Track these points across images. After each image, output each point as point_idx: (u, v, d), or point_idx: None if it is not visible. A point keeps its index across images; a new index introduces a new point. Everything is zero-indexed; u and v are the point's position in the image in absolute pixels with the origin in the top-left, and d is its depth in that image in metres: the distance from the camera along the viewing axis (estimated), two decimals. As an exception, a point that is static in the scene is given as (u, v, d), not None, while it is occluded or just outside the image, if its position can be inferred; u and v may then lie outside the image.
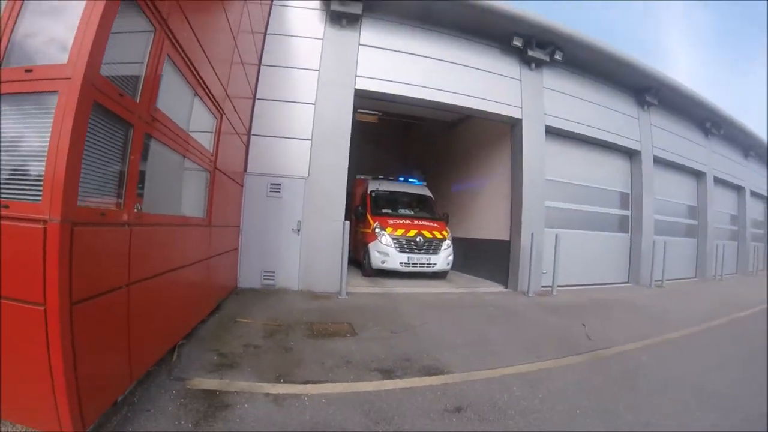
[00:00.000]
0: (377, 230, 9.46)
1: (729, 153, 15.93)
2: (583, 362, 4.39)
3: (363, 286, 8.20)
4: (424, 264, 9.46)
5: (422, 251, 9.50)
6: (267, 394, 3.11)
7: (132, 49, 2.73)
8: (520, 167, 9.01)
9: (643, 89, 11.31)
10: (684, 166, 13.44)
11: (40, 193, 2.01)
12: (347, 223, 7.21)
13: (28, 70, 2.14)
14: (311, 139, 7.61)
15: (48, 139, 2.02)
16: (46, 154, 2.02)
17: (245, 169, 7.24)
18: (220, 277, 5.81)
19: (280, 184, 7.49)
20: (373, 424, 2.76)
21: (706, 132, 14.15)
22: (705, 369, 4.35)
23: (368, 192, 10.80)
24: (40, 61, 2.18)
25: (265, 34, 7.70)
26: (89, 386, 2.23)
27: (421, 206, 11.13)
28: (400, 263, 9.25)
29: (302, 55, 7.86)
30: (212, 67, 4.40)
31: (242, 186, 7.13)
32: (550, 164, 9.48)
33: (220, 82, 4.86)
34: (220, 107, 4.95)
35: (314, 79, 7.78)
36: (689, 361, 4.62)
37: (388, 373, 3.71)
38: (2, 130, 2.09)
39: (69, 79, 2.07)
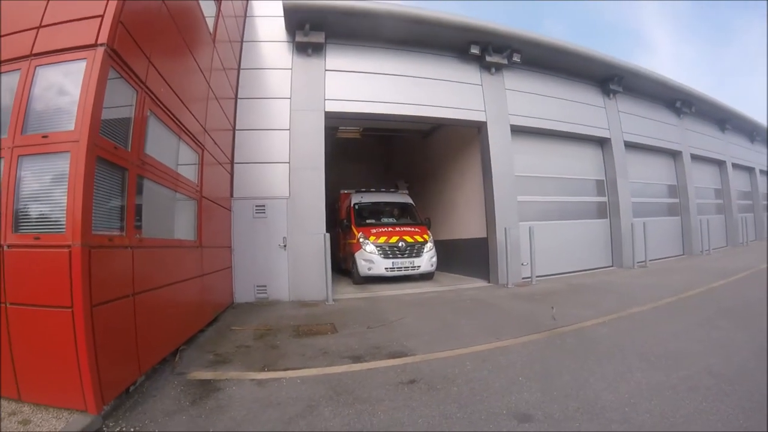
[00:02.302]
0: (361, 240, 10.16)
1: (704, 129, 16.69)
2: (541, 339, 4.95)
3: (350, 293, 8.95)
4: (408, 267, 10.13)
5: (405, 255, 10.16)
6: (252, 380, 3.84)
7: (120, 110, 3.55)
8: (489, 167, 9.79)
9: (606, 79, 12.10)
10: (658, 148, 14.21)
11: (64, 226, 2.87)
12: (328, 235, 7.98)
13: (44, 136, 3.02)
14: (289, 162, 8.44)
15: (66, 186, 2.89)
16: (65, 198, 2.89)
17: (231, 195, 8.04)
18: (216, 292, 6.61)
19: (264, 206, 8.30)
20: (335, 394, 3.45)
21: (678, 111, 14.90)
22: (659, 336, 4.82)
23: (352, 205, 11.48)
24: (50, 129, 3.06)
25: (238, 69, 8.61)
26: (107, 372, 2.99)
27: (402, 213, 11.87)
28: (386, 268, 9.92)
29: (274, 86, 8.75)
30: (188, 109, 5.24)
31: (230, 210, 7.90)
32: (519, 161, 10.27)
33: (198, 121, 5.69)
34: (200, 143, 5.79)
35: (287, 106, 8.64)
36: (646, 330, 5.10)
37: (357, 359, 4.39)
38: (28, 183, 3.03)
39: (77, 141, 2.92)
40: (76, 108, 3.00)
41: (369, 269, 9.94)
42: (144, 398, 3.45)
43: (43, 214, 3.02)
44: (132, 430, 2.91)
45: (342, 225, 11.37)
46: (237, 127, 8.35)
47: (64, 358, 2.83)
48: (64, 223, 2.87)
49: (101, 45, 3.13)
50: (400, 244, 10.18)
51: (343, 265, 11.68)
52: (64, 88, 3.19)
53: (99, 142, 3.05)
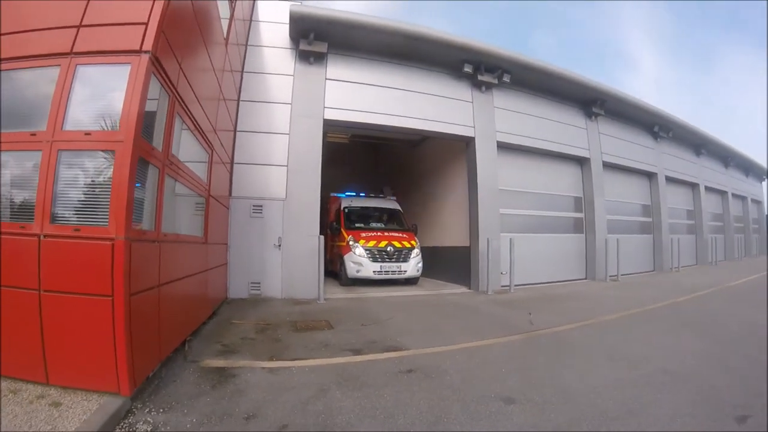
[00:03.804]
0: (351, 243, 10.66)
1: (680, 153, 17.85)
2: (520, 339, 5.62)
3: (339, 293, 9.53)
4: (395, 272, 10.69)
5: (393, 260, 10.73)
6: (263, 368, 4.26)
7: (154, 113, 3.85)
8: (475, 180, 10.53)
9: (590, 101, 13.04)
10: (635, 169, 15.24)
11: (106, 219, 3.11)
12: (322, 237, 8.57)
13: (87, 134, 3.24)
14: (287, 165, 9.00)
15: (107, 182, 3.17)
16: (107, 193, 3.14)
17: (230, 194, 8.53)
18: (215, 287, 7.09)
19: (261, 206, 8.84)
20: (343, 380, 3.92)
21: (655, 135, 15.98)
22: (624, 341, 5.52)
23: (341, 208, 12.08)
24: (90, 127, 3.28)
25: (242, 72, 9.11)
26: (138, 357, 3.26)
27: (390, 219, 12.41)
28: (374, 272, 10.46)
29: (276, 90, 9.30)
30: (204, 110, 5.66)
31: (228, 208, 8.38)
32: (503, 176, 11.07)
33: (209, 122, 6.14)
34: (210, 144, 6.28)
35: (287, 111, 9.20)
36: (613, 336, 5.82)
37: (357, 351, 4.93)
38: (67, 177, 3.22)
39: (122, 141, 3.17)
40: (120, 109, 3.23)
41: (357, 271, 10.43)
42: (165, 383, 3.75)
43: (83, 207, 3.21)
44: (161, 410, 3.17)
45: (331, 227, 11.97)
46: (238, 129, 8.85)
47: (100, 343, 3.07)
48: (106, 216, 3.10)
49: (146, 52, 3.37)
50: (388, 249, 10.73)
51: (330, 267, 11.87)
52: (106, 89, 3.42)
53: (140, 143, 3.30)
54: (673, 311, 7.71)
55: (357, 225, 11.57)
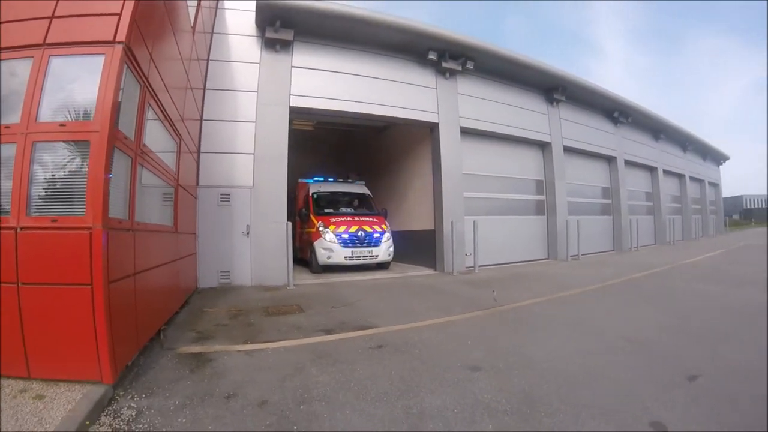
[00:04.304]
0: (321, 229, 10.63)
1: (639, 137, 18.74)
2: (484, 314, 5.97)
3: (309, 279, 9.75)
4: (367, 256, 10.74)
5: (364, 245, 10.75)
6: (239, 351, 4.37)
7: (126, 103, 3.83)
8: (439, 165, 10.94)
9: (551, 88, 13.57)
10: (595, 153, 15.96)
11: (83, 209, 3.13)
12: (290, 224, 8.79)
13: (61, 124, 3.25)
14: (254, 153, 9.14)
15: (82, 172, 3.19)
16: (83, 183, 3.17)
17: (197, 183, 8.62)
18: (185, 277, 7.21)
19: (229, 194, 8.97)
20: (317, 358, 4.08)
21: (615, 121, 16.70)
22: (584, 313, 5.94)
23: (310, 194, 11.97)
24: (64, 118, 3.29)
25: (208, 60, 9.14)
26: (118, 344, 3.29)
27: (360, 204, 12.40)
28: (345, 257, 10.49)
29: (242, 79, 9.36)
30: (172, 99, 5.71)
31: (195, 198, 8.46)
32: (467, 160, 11.50)
33: (177, 110, 6.18)
34: (178, 133, 6.35)
35: (254, 99, 9.30)
36: (573, 309, 6.21)
37: (329, 331, 5.12)
38: (42, 168, 3.21)
39: (97, 132, 3.20)
40: (95, 100, 3.26)
41: (328, 258, 10.44)
42: (144, 371, 3.79)
43: (59, 198, 3.21)
44: (143, 395, 3.22)
45: (301, 214, 11.85)
46: (204, 117, 8.90)
47: (81, 332, 3.10)
48: (83, 206, 3.14)
49: (119, 43, 3.40)
50: (359, 234, 10.76)
51: (299, 254, 11.95)
52: (79, 79, 3.43)
53: (115, 133, 3.33)
54: (631, 286, 8.27)
55: (326, 210, 11.53)
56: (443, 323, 5.52)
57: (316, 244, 10.63)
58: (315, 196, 11.98)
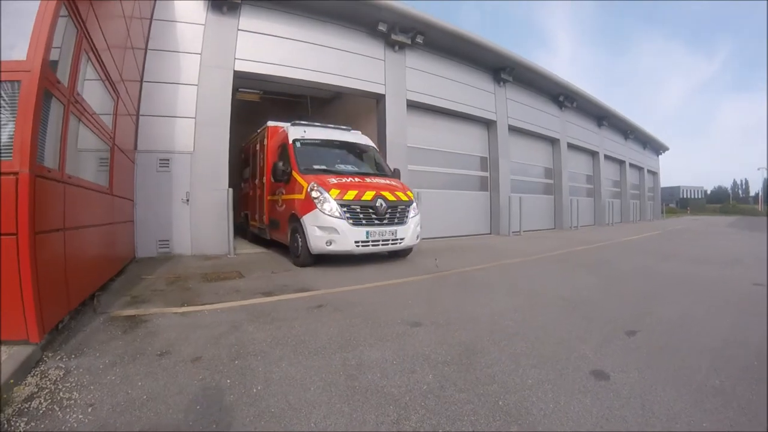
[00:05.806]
0: (315, 194, 6.96)
1: (583, 122, 19.88)
2: (426, 279, 6.23)
3: (250, 248, 9.86)
4: (388, 241, 7.33)
5: (385, 222, 7.29)
6: (175, 313, 4.33)
7: (62, 47, 3.81)
8: (385, 136, 11.33)
9: (499, 68, 14.19)
10: (539, 134, 16.85)
11: (10, 153, 2.95)
12: (231, 190, 8.84)
13: None
14: (195, 117, 9.07)
15: (11, 114, 3.01)
16: (11, 125, 2.99)
17: (135, 147, 8.47)
18: (122, 244, 7.13)
19: (168, 160, 8.86)
20: (254, 317, 4.11)
21: (560, 104, 17.62)
22: (524, 278, 6.32)
23: (290, 142, 8.15)
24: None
25: (151, 20, 8.88)
26: (46, 302, 3.16)
27: (366, 161, 8.98)
28: (356, 242, 6.95)
29: (185, 40, 9.19)
30: (111, 55, 5.64)
31: (134, 163, 8.34)
32: (412, 133, 11.95)
33: (117, 68, 6.09)
34: (116, 90, 6.23)
35: (197, 62, 9.18)
36: (513, 274, 6.60)
37: (268, 294, 5.19)
38: None
39: (29, 71, 3.04)
40: (28, 38, 3.12)
41: (329, 243, 6.85)
42: (74, 333, 3.71)
43: None
44: (73, 356, 3.13)
45: (276, 171, 7.82)
46: (144, 79, 8.71)
47: (5, 286, 2.93)
48: (10, 150, 2.97)
49: None
50: (378, 203, 7.18)
51: (271, 235, 9.27)
52: (13, 15, 3.23)
53: (47, 74, 3.21)
54: (570, 256, 8.93)
55: (317, 167, 7.83)
56: (386, 286, 5.69)
57: (307, 219, 6.99)
58: (298, 144, 8.16)
